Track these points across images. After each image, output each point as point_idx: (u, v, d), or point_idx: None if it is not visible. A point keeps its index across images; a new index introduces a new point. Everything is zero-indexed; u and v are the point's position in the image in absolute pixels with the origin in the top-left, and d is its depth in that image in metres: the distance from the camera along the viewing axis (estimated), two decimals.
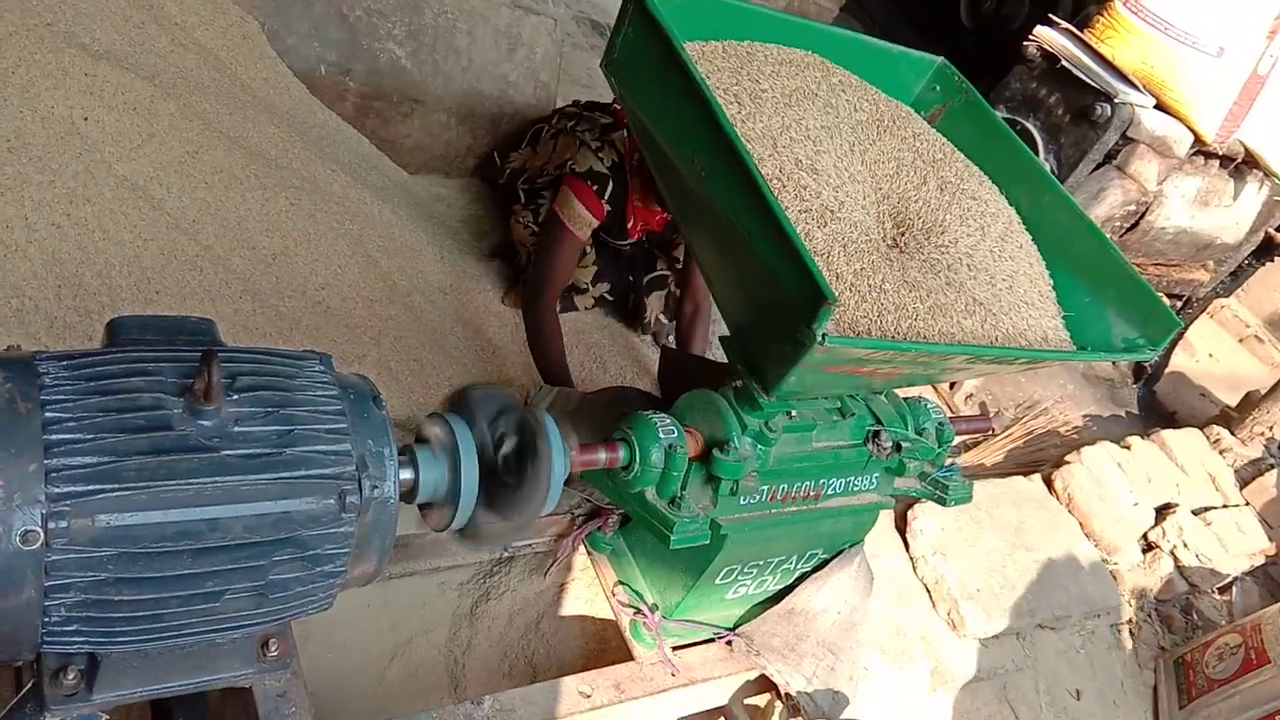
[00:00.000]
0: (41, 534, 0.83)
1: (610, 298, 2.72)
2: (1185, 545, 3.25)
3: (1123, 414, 4.20)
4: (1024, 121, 2.77)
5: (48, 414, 0.86)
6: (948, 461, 1.76)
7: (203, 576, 0.92)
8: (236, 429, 0.94)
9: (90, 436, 0.87)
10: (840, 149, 1.49)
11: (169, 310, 1.81)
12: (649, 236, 2.62)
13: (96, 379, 0.91)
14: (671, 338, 2.88)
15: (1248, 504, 3.69)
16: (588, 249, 2.56)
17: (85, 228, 1.78)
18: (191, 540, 0.90)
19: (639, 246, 2.67)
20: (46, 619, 0.88)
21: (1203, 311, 4.14)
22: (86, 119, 1.86)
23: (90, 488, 0.85)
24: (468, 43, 2.75)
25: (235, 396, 0.95)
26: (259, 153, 2.16)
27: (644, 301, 2.73)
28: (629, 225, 2.45)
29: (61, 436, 0.85)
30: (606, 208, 2.34)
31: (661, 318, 2.76)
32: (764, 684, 1.82)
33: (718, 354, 2.54)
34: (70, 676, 0.98)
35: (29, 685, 1.00)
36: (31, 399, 0.86)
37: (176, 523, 0.89)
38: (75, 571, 0.86)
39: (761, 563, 1.66)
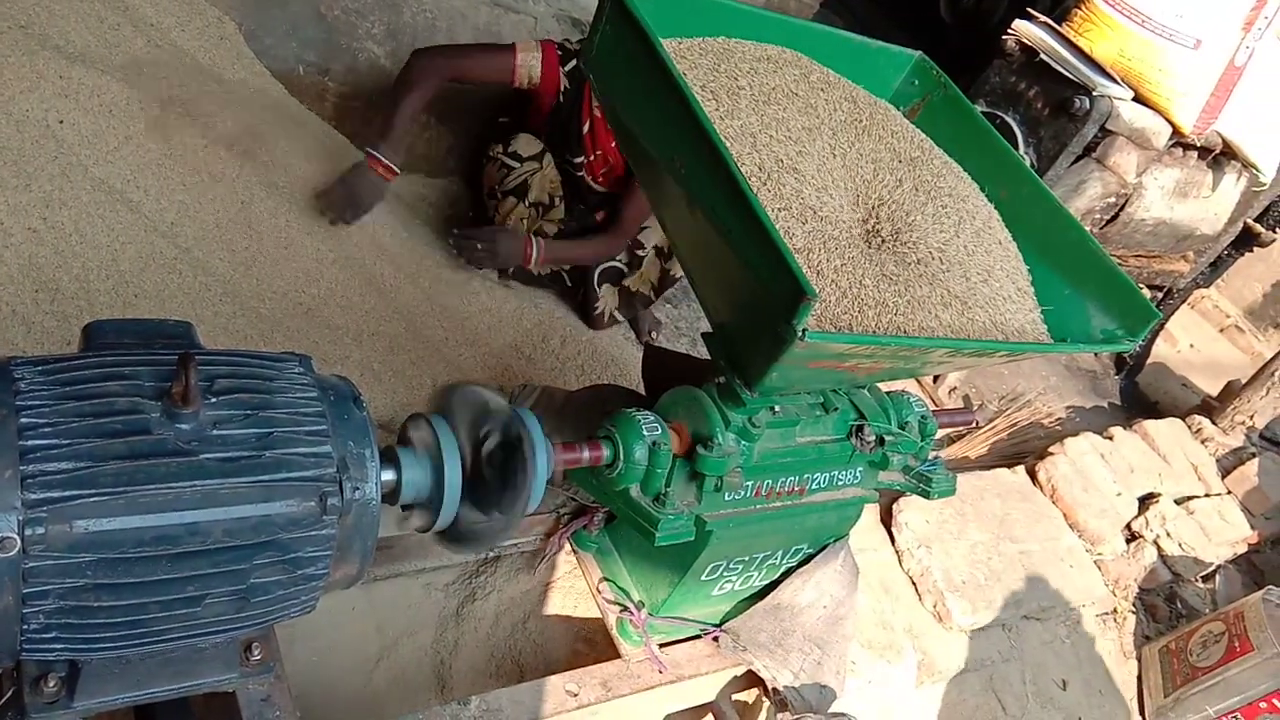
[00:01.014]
0: (18, 540, 0.82)
1: (568, 281, 2.69)
2: (1168, 534, 3.27)
3: (1105, 405, 4.23)
4: (1003, 115, 2.78)
5: (23, 420, 0.85)
6: (931, 455, 1.76)
7: (183, 581, 0.92)
8: (215, 432, 0.93)
9: (66, 442, 0.86)
10: (821, 150, 1.49)
11: (148, 314, 1.79)
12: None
13: (72, 384, 0.90)
14: (655, 334, 2.88)
15: (1229, 493, 3.72)
16: (556, 201, 2.53)
17: (62, 232, 1.77)
18: (171, 545, 0.89)
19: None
20: (25, 626, 0.87)
21: (1183, 302, 4.18)
22: (62, 122, 1.85)
23: (67, 493, 0.84)
24: (447, 41, 2.74)
25: (214, 399, 0.94)
26: (238, 154, 2.15)
27: (595, 290, 2.67)
28: (584, 131, 2.40)
29: (37, 442, 0.85)
30: (564, 84, 2.31)
31: (615, 313, 2.73)
32: (751, 679, 1.83)
33: (700, 349, 2.54)
34: (51, 684, 0.97)
35: (9, 693, 0.99)
36: (6, 405, 0.85)
37: (155, 527, 0.88)
38: (53, 578, 0.85)
39: (747, 558, 1.66)
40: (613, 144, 2.46)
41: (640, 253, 2.67)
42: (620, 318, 2.74)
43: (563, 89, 2.34)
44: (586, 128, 2.41)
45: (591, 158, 2.50)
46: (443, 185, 2.94)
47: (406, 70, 2.29)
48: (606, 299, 2.70)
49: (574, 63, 2.33)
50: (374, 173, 2.25)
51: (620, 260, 2.68)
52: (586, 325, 2.74)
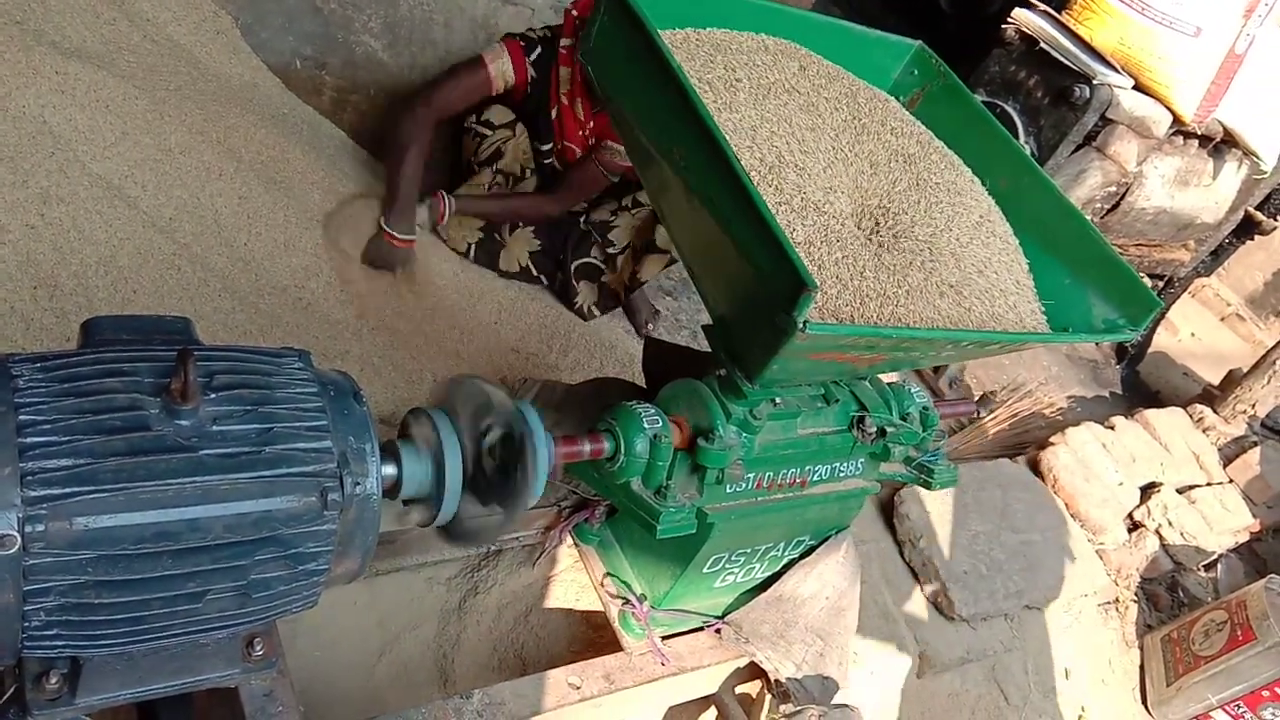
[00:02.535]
0: (18, 538, 0.82)
1: (536, 271, 2.70)
2: (1170, 524, 3.27)
3: (1106, 394, 4.22)
4: (1003, 104, 2.78)
5: (22, 417, 0.85)
6: (933, 445, 1.76)
7: (184, 577, 0.91)
8: (215, 428, 0.93)
9: (66, 439, 0.85)
10: (822, 148, 1.49)
11: (147, 310, 1.79)
12: (587, 218, 2.62)
13: (71, 380, 0.89)
14: (651, 326, 2.88)
15: (1231, 481, 3.72)
16: (528, 174, 2.56)
17: (60, 228, 1.76)
18: (171, 541, 0.89)
19: (575, 224, 2.66)
20: (26, 624, 0.87)
21: (1184, 291, 4.17)
22: (58, 118, 1.84)
23: (67, 490, 0.84)
24: (444, 34, 2.73)
25: (213, 395, 0.94)
26: (235, 149, 2.14)
27: (573, 285, 2.71)
28: (552, 116, 2.43)
29: (36, 439, 0.84)
30: (531, 74, 2.35)
31: (594, 308, 2.74)
32: (753, 671, 1.83)
33: (701, 341, 2.54)
34: (53, 681, 0.97)
35: (11, 690, 0.99)
36: (5, 402, 0.85)
37: (156, 524, 0.88)
38: (54, 575, 0.85)
39: (749, 550, 1.66)
40: (579, 133, 2.48)
41: (611, 250, 2.70)
42: (597, 312, 2.77)
43: (530, 79, 2.37)
44: (554, 113, 2.44)
45: (559, 145, 2.53)
46: (440, 181, 2.93)
47: (395, 132, 2.33)
48: (584, 294, 2.73)
49: (539, 51, 2.37)
50: (391, 245, 2.29)
51: (596, 258, 2.71)
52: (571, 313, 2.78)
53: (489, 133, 2.50)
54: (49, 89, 1.84)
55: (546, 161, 2.58)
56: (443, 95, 2.35)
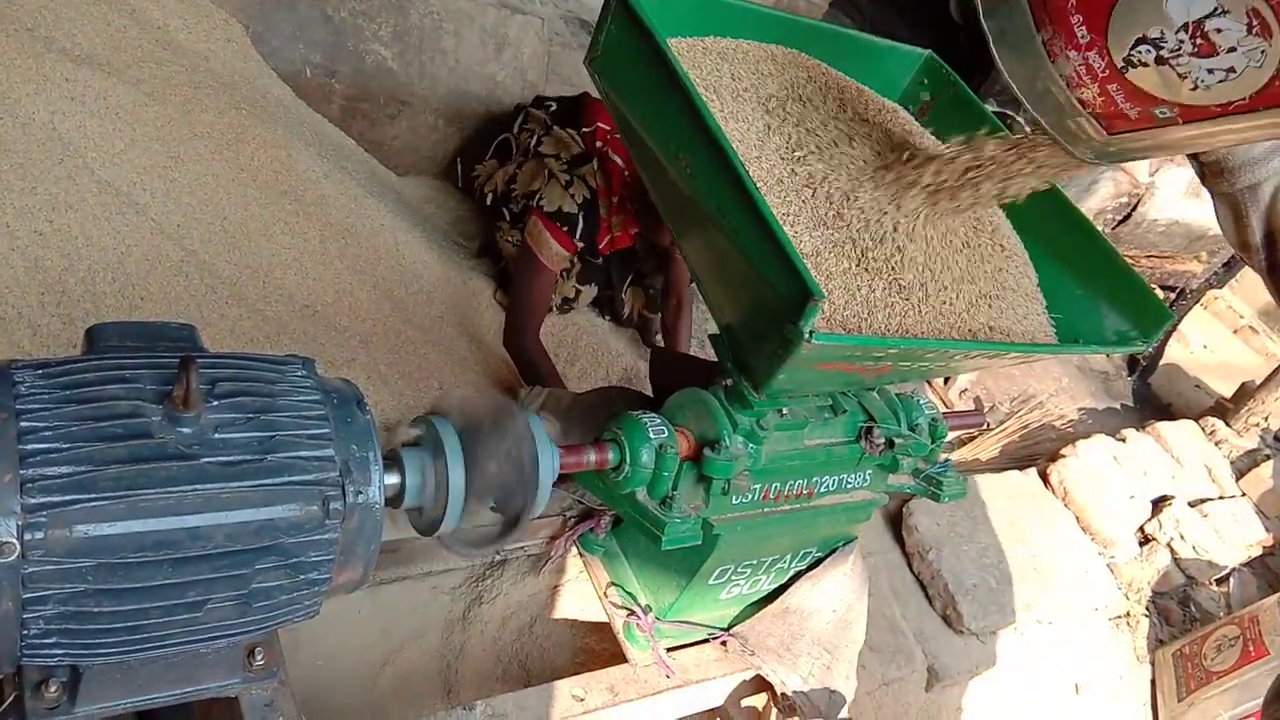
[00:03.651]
0: (17, 546, 0.81)
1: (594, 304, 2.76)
2: (1182, 537, 3.24)
3: (1118, 406, 4.20)
4: (1014, 115, 2.76)
5: (23, 423, 0.84)
6: (942, 457, 1.74)
7: (184, 586, 0.91)
8: (217, 436, 0.92)
9: (66, 445, 0.85)
10: (829, 158, 1.48)
11: (154, 317, 1.79)
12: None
13: (73, 387, 0.89)
14: (660, 336, 2.88)
15: (1244, 495, 3.69)
16: (574, 261, 2.57)
17: (68, 234, 1.77)
18: (172, 550, 0.88)
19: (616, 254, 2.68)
20: (25, 632, 0.86)
21: (1196, 303, 4.15)
22: (68, 124, 1.84)
23: (67, 498, 0.83)
24: (454, 43, 2.73)
25: (215, 403, 0.93)
26: (244, 156, 2.15)
27: (622, 298, 2.75)
28: (600, 246, 2.47)
29: (37, 446, 0.84)
30: (580, 244, 2.37)
31: (645, 312, 2.76)
32: (760, 684, 1.81)
33: (707, 351, 2.53)
34: (52, 689, 0.96)
35: (10, 699, 0.99)
36: (6, 408, 0.85)
37: (156, 532, 0.87)
38: (53, 583, 0.84)
39: (755, 562, 1.65)
40: (629, 232, 2.49)
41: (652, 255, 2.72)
42: (649, 315, 2.80)
43: (579, 247, 2.40)
44: (605, 243, 2.47)
45: (606, 253, 2.55)
46: (448, 185, 2.94)
47: (518, 362, 2.34)
48: (631, 300, 2.76)
49: (581, 225, 2.36)
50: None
51: (641, 269, 2.73)
52: (620, 327, 2.82)
53: (515, 258, 2.52)
54: (59, 95, 1.84)
55: (596, 261, 2.60)
56: (530, 314, 2.37)
